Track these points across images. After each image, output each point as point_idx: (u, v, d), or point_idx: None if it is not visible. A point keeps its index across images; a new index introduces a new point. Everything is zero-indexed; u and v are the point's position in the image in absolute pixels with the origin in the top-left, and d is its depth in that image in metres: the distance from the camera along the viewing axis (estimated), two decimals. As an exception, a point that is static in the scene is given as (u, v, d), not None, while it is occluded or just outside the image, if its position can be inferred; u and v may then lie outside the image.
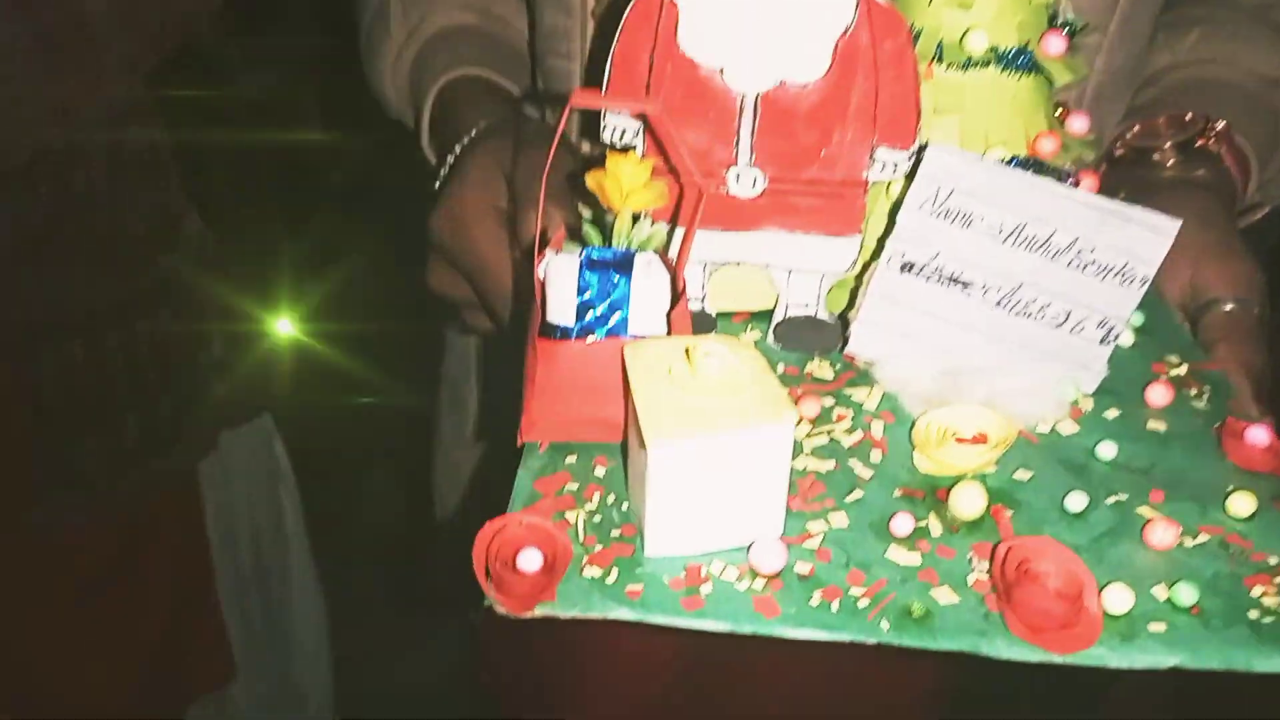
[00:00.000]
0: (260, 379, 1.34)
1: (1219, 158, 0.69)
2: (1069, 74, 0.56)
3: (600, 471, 0.47)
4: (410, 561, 1.39)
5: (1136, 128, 0.72)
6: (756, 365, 0.44)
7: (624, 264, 0.46)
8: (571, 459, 0.47)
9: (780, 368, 0.54)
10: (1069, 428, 0.51)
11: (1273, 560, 0.44)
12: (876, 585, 0.42)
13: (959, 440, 0.48)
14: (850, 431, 0.50)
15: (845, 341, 0.53)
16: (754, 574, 0.42)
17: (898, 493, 0.47)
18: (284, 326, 1.51)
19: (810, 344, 0.55)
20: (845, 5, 0.49)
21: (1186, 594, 0.42)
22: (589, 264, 0.46)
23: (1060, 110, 0.59)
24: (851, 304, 0.54)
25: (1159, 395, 0.53)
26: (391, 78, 0.79)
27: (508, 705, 0.73)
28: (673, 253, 0.50)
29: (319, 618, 1.47)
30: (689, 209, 0.51)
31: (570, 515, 0.44)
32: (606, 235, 0.49)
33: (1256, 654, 0.40)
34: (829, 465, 0.48)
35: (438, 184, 0.66)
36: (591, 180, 0.48)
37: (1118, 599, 0.41)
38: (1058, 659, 0.40)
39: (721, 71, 0.50)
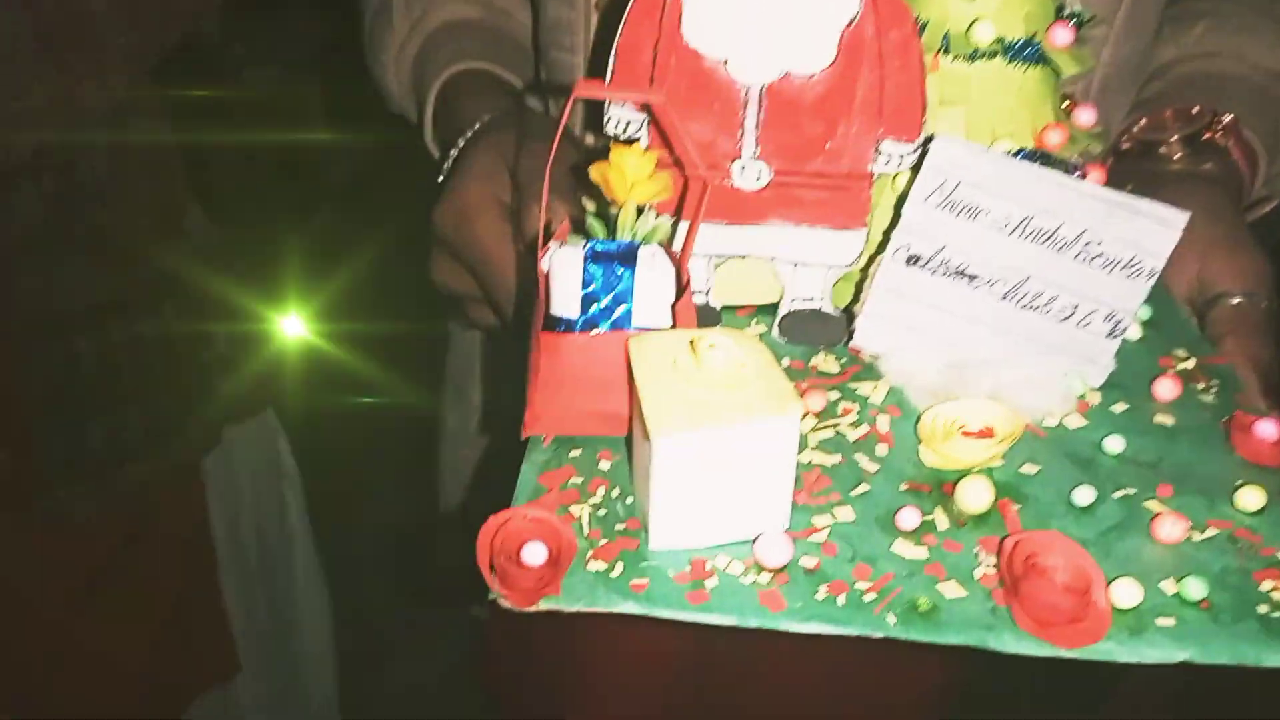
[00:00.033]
0: (264, 375, 1.34)
1: (1226, 151, 0.69)
2: (1076, 65, 0.55)
3: (605, 465, 0.47)
4: (414, 557, 1.39)
5: (1143, 121, 0.71)
6: (762, 358, 0.44)
7: (628, 257, 0.46)
8: (576, 453, 0.47)
9: (785, 361, 0.54)
10: (1076, 421, 0.51)
11: (1282, 554, 0.44)
12: (883, 579, 0.42)
13: (965, 434, 0.48)
14: (856, 425, 0.50)
15: (851, 335, 0.53)
16: (759, 568, 0.42)
17: (904, 486, 0.47)
18: (288, 322, 1.51)
19: (815, 337, 0.55)
20: (851, -4, 0.49)
21: (1195, 588, 0.41)
22: (593, 257, 0.46)
23: (1067, 102, 0.58)
24: (857, 297, 0.54)
25: (1167, 389, 0.52)
26: (394, 72, 0.79)
27: (512, 701, 0.73)
28: (677, 245, 0.49)
29: (323, 613, 1.48)
30: (693, 202, 0.50)
31: (575, 509, 0.44)
32: (611, 228, 0.48)
33: (1266, 649, 0.40)
34: (834, 459, 0.48)
35: (441, 178, 0.66)
36: (595, 173, 0.48)
37: (1126, 593, 0.41)
38: (1065, 653, 0.40)
39: (726, 63, 0.50)
